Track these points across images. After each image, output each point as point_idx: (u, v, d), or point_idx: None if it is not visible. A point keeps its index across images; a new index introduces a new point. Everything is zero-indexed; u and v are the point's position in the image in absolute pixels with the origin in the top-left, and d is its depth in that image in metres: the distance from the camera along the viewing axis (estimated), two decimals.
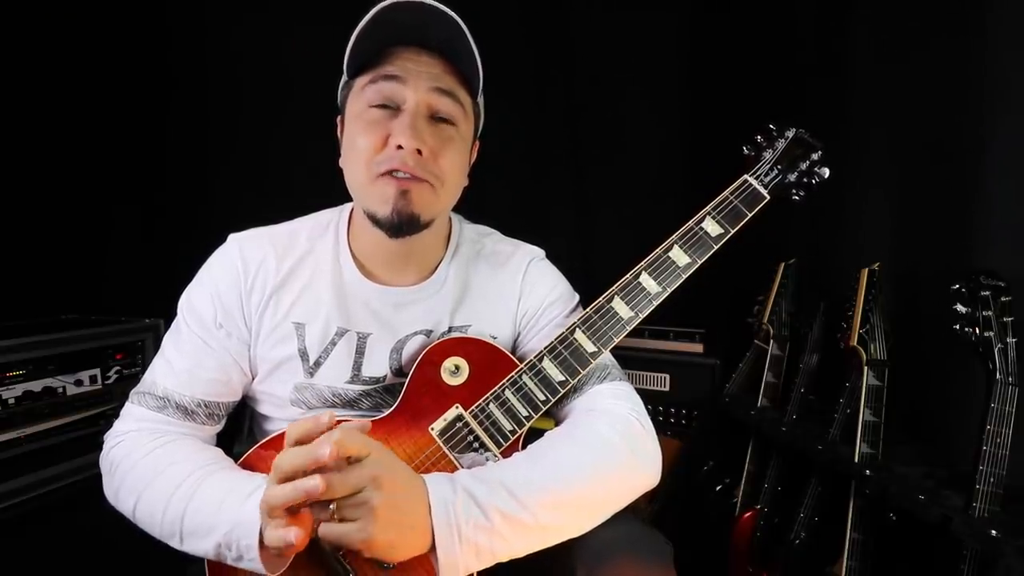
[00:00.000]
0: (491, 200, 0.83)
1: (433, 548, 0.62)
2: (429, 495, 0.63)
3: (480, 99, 0.86)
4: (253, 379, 0.86)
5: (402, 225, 0.77)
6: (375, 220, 0.79)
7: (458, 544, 0.62)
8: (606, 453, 0.74)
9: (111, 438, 0.80)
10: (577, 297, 0.95)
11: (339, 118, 0.85)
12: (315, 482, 0.55)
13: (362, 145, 0.77)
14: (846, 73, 1.50)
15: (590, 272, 1.88)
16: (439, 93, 0.77)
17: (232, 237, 0.86)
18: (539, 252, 0.97)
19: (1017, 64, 1.18)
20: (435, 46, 0.77)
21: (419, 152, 0.75)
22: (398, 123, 0.75)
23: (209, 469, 0.73)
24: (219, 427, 0.85)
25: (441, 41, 0.77)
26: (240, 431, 0.97)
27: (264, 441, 0.79)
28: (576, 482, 0.70)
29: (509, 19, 1.87)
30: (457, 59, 0.78)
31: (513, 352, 0.87)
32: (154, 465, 0.74)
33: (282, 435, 0.77)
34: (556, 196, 1.99)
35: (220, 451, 0.80)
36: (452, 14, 0.74)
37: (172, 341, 0.83)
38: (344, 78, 0.82)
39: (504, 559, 0.66)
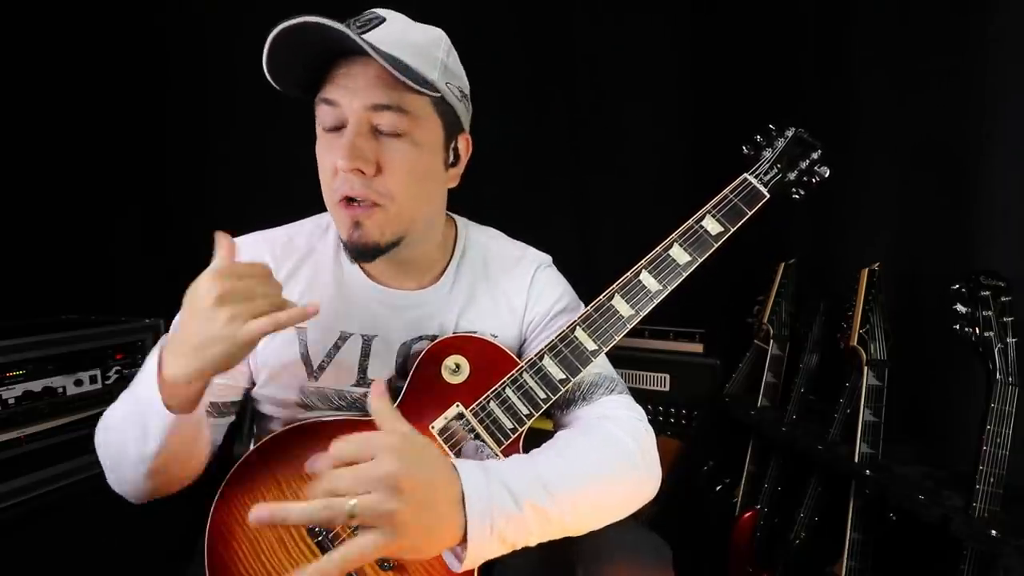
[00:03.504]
0: (492, 203, 0.82)
1: (463, 539, 0.59)
2: (463, 485, 0.59)
3: (455, 90, 0.78)
4: (254, 385, 0.84)
5: (361, 254, 0.77)
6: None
7: (489, 535, 0.60)
8: (625, 457, 0.74)
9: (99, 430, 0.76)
10: (583, 306, 0.94)
11: None
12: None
13: (321, 170, 0.76)
14: (846, 73, 1.50)
15: (591, 273, 1.87)
16: (376, 108, 0.71)
17: None
18: (546, 259, 0.95)
19: (1017, 64, 1.18)
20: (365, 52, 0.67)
21: (362, 172, 0.72)
22: (337, 145, 0.72)
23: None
24: (231, 418, 0.84)
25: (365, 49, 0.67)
26: (240, 431, 0.96)
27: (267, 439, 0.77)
28: (600, 483, 0.70)
29: (510, 25, 1.86)
30: (391, 64, 0.67)
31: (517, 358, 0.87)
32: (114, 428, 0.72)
33: (280, 436, 0.77)
34: (557, 198, 1.99)
35: None
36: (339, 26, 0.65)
37: None
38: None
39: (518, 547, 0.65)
